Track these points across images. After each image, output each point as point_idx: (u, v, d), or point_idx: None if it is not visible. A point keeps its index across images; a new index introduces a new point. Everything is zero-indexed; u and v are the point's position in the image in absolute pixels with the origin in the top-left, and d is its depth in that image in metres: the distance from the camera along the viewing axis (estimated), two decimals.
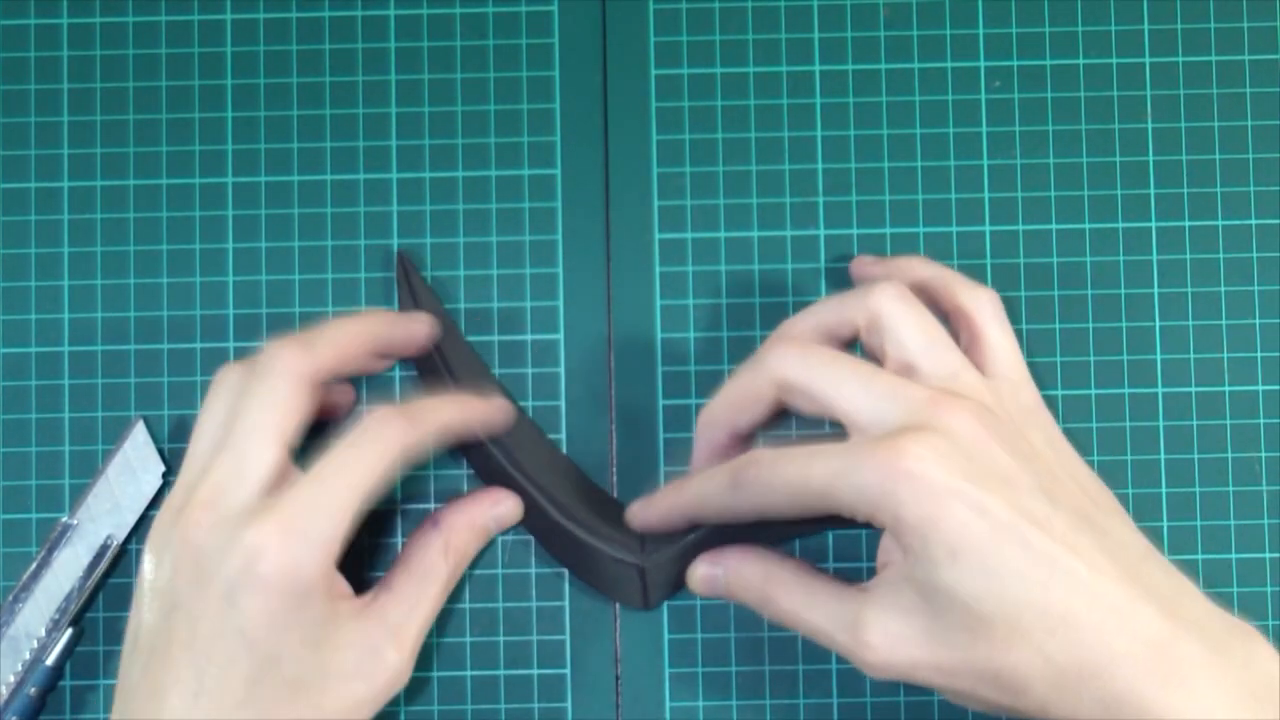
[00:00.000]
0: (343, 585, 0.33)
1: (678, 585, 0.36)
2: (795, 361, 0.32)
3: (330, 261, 0.39)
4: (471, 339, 0.39)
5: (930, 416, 0.29)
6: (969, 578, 0.28)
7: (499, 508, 0.36)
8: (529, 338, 0.39)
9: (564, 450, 0.39)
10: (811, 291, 0.39)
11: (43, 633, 0.37)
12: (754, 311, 0.39)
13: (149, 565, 0.32)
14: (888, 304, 0.32)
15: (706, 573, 0.35)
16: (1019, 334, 0.39)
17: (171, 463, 0.39)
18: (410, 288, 0.38)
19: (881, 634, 0.30)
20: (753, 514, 0.32)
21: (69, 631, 0.37)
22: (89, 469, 0.39)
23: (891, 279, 0.33)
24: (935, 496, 0.28)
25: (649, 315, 0.39)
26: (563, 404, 0.39)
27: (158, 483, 0.38)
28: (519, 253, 0.40)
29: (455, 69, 0.40)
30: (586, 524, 0.36)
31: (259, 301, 0.39)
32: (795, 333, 0.34)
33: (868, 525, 0.30)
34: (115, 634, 0.39)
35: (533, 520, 0.37)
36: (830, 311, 0.34)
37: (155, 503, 0.39)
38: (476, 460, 0.38)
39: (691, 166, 0.40)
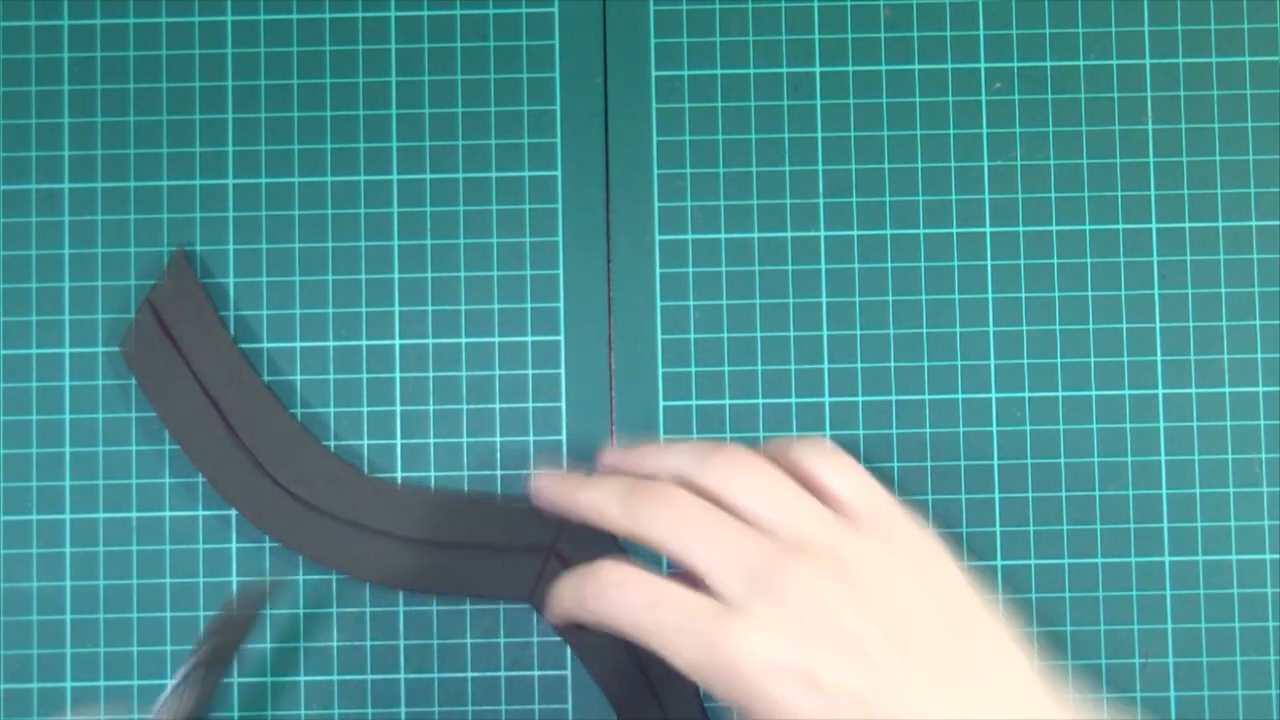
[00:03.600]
0: None
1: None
2: (651, 517, 0.30)
3: (331, 263, 0.39)
4: (472, 340, 0.39)
5: (768, 580, 0.28)
6: None
7: None
8: (529, 339, 0.39)
9: (564, 451, 0.39)
10: (812, 293, 0.39)
11: None
12: (754, 313, 0.39)
13: None
14: (724, 471, 0.31)
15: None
16: (1019, 335, 0.39)
17: (170, 463, 0.39)
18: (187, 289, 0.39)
19: None
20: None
21: None
22: (90, 470, 0.39)
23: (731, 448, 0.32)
24: (761, 675, 0.27)
25: (649, 316, 0.39)
26: (563, 405, 0.39)
27: None
28: (519, 254, 0.40)
29: (456, 70, 0.40)
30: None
31: (260, 303, 0.39)
32: (659, 473, 0.32)
33: None
34: (116, 635, 0.39)
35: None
36: (685, 465, 0.32)
37: None
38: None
39: (692, 168, 0.40)
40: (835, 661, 0.27)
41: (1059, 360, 0.39)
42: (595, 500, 0.32)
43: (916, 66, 0.40)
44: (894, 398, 0.39)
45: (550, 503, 0.33)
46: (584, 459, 0.39)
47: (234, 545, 0.39)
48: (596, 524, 0.32)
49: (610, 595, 0.30)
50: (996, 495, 0.39)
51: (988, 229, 0.40)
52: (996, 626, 0.30)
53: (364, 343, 0.39)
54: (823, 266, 0.40)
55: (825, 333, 0.39)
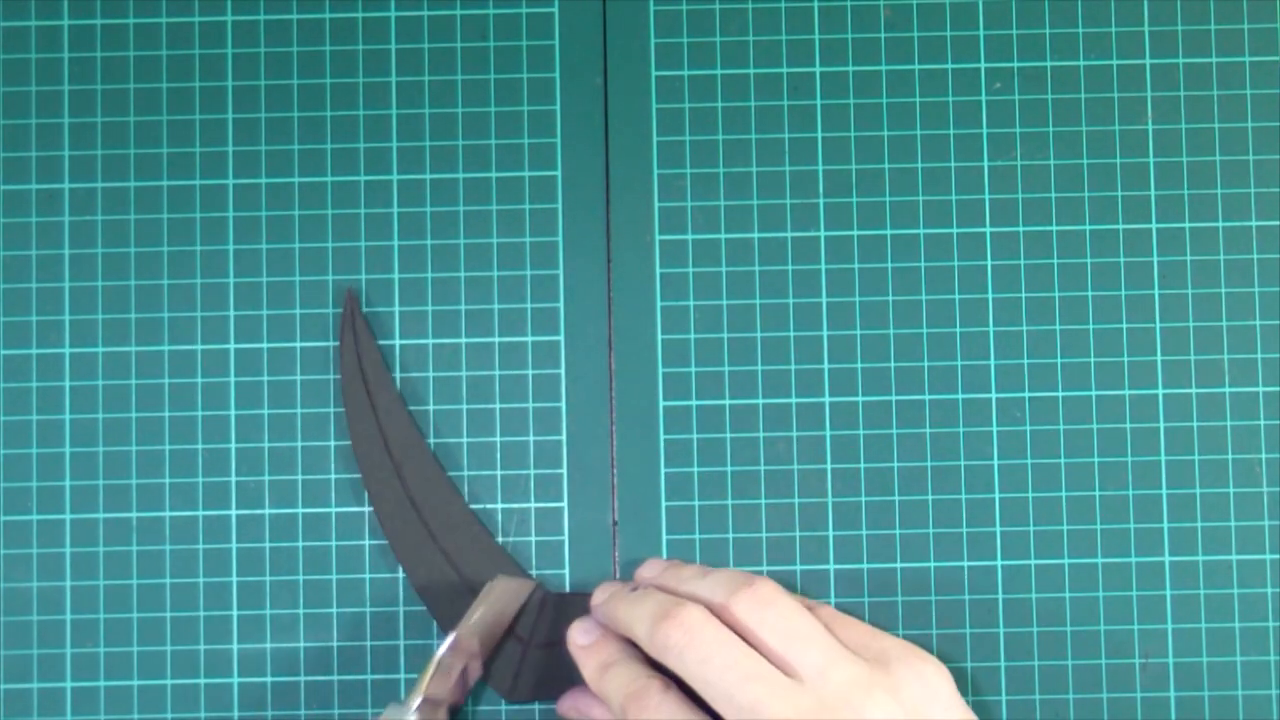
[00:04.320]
0: None
1: (549, 686, 0.37)
2: (682, 652, 0.32)
3: (331, 263, 0.39)
4: (472, 340, 0.39)
5: None
6: None
7: None
8: (529, 339, 0.39)
9: (564, 452, 0.39)
10: (813, 293, 0.39)
11: None
12: (754, 313, 0.39)
13: None
14: (754, 608, 0.32)
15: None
16: (1019, 336, 0.39)
17: (170, 463, 0.39)
18: (354, 331, 0.38)
19: None
20: (660, 661, 0.33)
21: None
22: (90, 470, 0.39)
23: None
24: None
25: (650, 316, 0.39)
26: (563, 405, 0.39)
27: None
28: (520, 254, 0.40)
29: (456, 70, 0.40)
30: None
31: (260, 303, 0.39)
32: (693, 595, 0.34)
33: None
34: (118, 636, 0.39)
35: (432, 579, 0.38)
36: (718, 594, 0.33)
37: None
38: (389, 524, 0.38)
39: (692, 168, 0.40)
40: None
41: (1059, 360, 0.39)
42: (629, 618, 0.33)
43: (916, 66, 0.40)
44: (894, 398, 0.39)
45: (598, 615, 0.36)
46: (583, 460, 0.39)
47: (234, 545, 0.39)
48: (630, 639, 0.34)
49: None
50: (996, 495, 0.39)
51: (988, 229, 0.40)
52: None
53: None
54: (823, 266, 0.40)
55: (825, 333, 0.39)
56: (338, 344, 0.39)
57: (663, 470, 0.39)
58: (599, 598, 0.36)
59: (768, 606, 0.32)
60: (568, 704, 0.37)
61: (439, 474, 0.38)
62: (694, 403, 0.39)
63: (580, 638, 0.35)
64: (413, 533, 0.38)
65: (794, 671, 0.31)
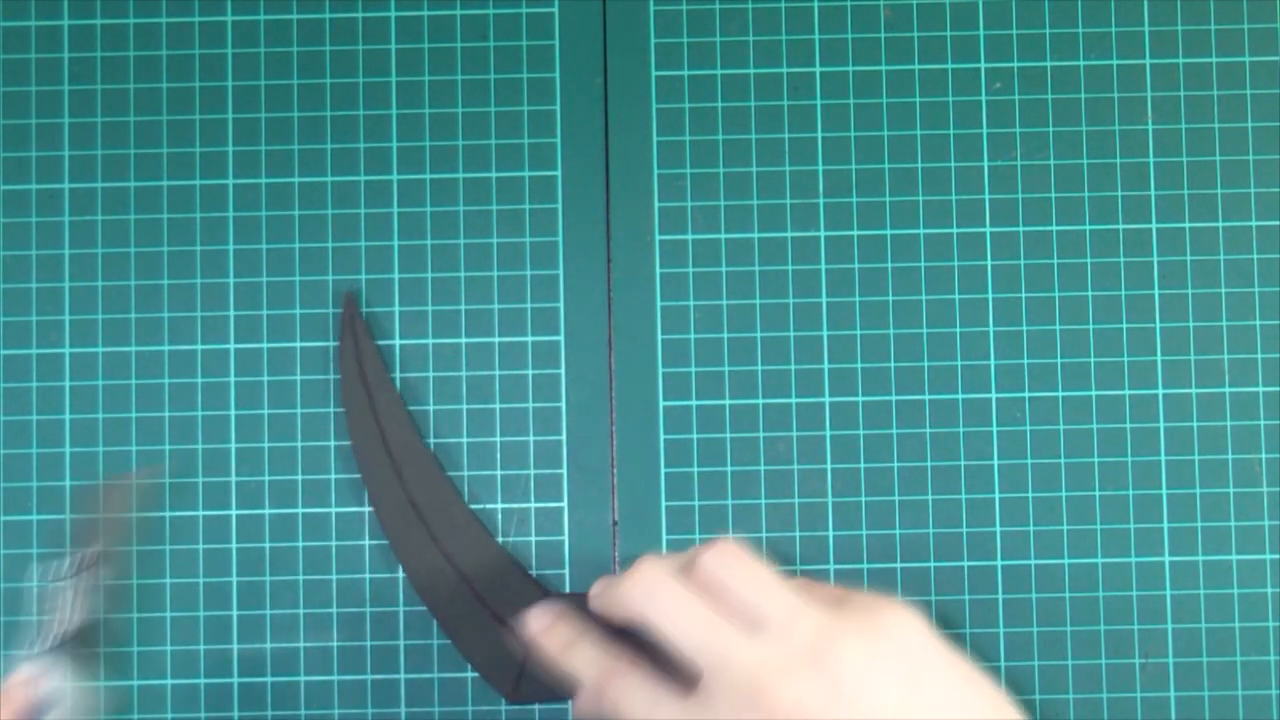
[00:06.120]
0: None
1: (550, 688, 0.37)
2: (646, 603, 0.31)
3: (331, 263, 0.39)
4: (472, 340, 0.39)
5: (758, 696, 0.29)
6: None
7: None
8: (529, 339, 0.39)
9: (564, 452, 0.39)
10: (813, 293, 0.39)
11: None
12: (754, 313, 0.39)
13: None
14: (718, 561, 0.32)
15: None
16: (1019, 335, 0.39)
17: (170, 463, 0.39)
18: (354, 333, 0.38)
19: None
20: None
21: None
22: (90, 470, 0.39)
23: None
24: None
25: (649, 316, 0.40)
26: (563, 405, 0.39)
27: None
28: (520, 254, 0.40)
29: (456, 70, 0.40)
30: (490, 592, 0.38)
31: (260, 303, 0.39)
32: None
33: None
34: (116, 635, 0.39)
35: (433, 579, 0.38)
36: (681, 561, 0.33)
37: None
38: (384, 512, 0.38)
39: (692, 168, 0.40)
40: None
41: (1059, 360, 0.39)
42: (612, 598, 0.33)
43: (916, 66, 0.40)
44: (894, 398, 0.39)
45: (595, 608, 0.34)
46: (583, 460, 0.39)
47: (234, 545, 0.39)
48: (612, 615, 0.33)
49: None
50: (996, 495, 0.39)
51: (988, 229, 0.40)
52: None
53: None
54: (823, 266, 0.40)
55: (825, 333, 0.39)
56: (338, 344, 0.39)
57: (663, 470, 0.39)
58: (596, 590, 0.36)
59: (733, 560, 0.31)
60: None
61: (439, 474, 0.38)
62: (694, 403, 0.39)
63: (535, 624, 0.35)
64: (413, 533, 0.38)
65: (761, 624, 0.30)
